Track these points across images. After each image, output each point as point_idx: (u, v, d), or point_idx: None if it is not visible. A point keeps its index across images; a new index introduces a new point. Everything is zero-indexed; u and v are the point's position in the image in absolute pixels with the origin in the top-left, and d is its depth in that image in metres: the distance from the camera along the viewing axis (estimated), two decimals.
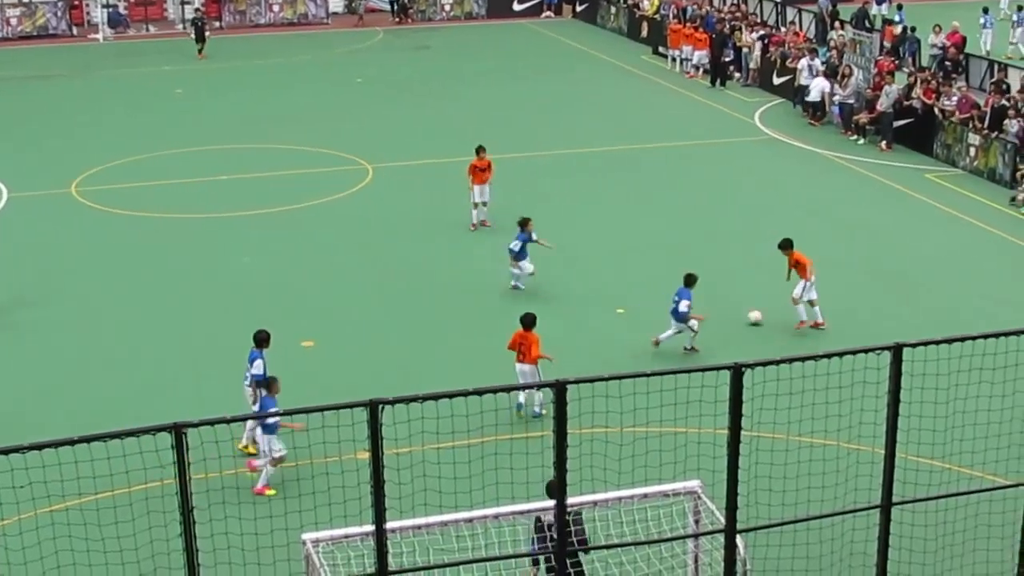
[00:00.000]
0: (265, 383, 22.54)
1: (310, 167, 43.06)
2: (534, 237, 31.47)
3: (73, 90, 55.35)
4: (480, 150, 36.41)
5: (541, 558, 17.18)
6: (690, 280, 28.27)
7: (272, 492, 20.95)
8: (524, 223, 31.51)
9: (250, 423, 22.86)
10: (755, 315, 29.57)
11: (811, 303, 29.37)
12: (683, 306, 27.73)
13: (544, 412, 24.10)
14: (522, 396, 24.77)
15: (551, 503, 15.42)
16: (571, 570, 17.33)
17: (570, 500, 14.64)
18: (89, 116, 50.73)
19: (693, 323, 27.90)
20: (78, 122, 49.84)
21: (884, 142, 44.79)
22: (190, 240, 36.10)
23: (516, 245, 31.28)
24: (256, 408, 22.67)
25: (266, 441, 21.81)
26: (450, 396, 13.75)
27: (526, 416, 24.06)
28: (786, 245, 29.81)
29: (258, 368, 23.45)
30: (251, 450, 22.68)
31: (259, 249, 35.26)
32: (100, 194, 39.95)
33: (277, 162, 43.72)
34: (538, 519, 17.38)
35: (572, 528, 17.14)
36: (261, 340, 23.94)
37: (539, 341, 25.07)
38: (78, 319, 30.60)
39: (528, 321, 25.30)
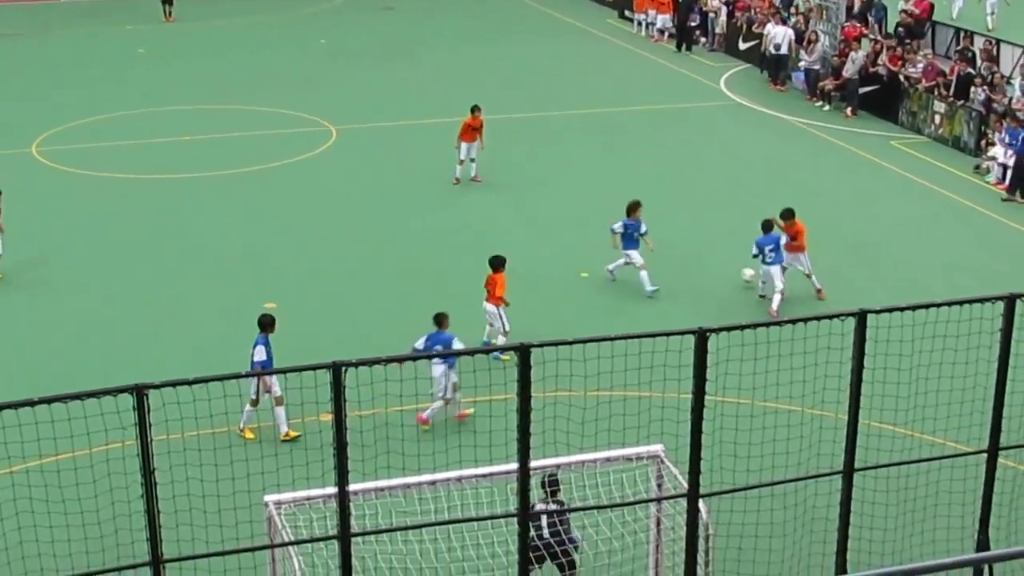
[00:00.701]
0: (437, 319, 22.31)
1: (273, 128, 42.83)
2: (643, 229, 29.63)
3: (33, 49, 54.85)
4: (475, 109, 36.81)
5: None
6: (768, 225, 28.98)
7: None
8: (633, 208, 29.89)
9: (248, 407, 22.24)
10: (748, 273, 29.59)
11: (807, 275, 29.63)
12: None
13: (504, 359, 23.92)
14: (486, 335, 25.97)
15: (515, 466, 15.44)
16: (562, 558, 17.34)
17: (533, 463, 14.61)
18: (50, 76, 50.27)
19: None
20: (38, 82, 49.39)
21: (849, 108, 44.83)
22: (152, 201, 35.87)
23: (619, 227, 29.68)
24: (266, 392, 22.10)
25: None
26: (414, 359, 13.73)
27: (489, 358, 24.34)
28: (789, 215, 29.74)
29: (259, 355, 22.48)
30: (249, 434, 21.83)
31: (221, 210, 35.08)
32: (61, 154, 39.67)
33: (240, 123, 43.45)
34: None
35: (557, 519, 17.14)
36: (265, 324, 23.14)
37: (504, 283, 25.93)
38: (37, 280, 30.37)
39: (496, 263, 26.20)
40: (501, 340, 25.52)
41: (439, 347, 21.06)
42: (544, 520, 17.31)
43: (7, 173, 37.60)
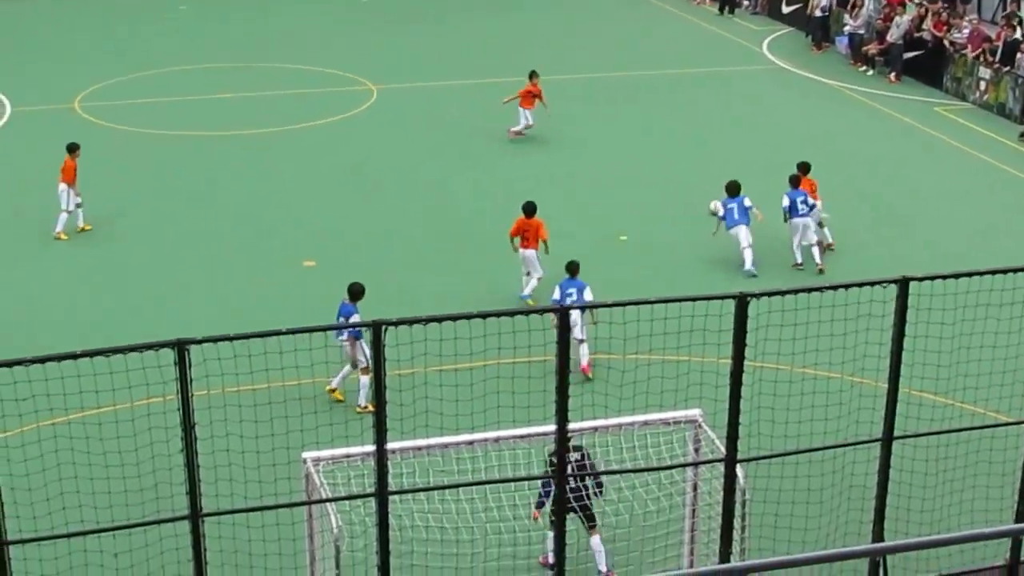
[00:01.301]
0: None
1: (313, 87, 42.83)
2: (748, 203, 28.97)
3: (75, 6, 54.92)
4: (533, 75, 37.02)
5: (547, 502, 17.14)
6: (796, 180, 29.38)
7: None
8: (734, 188, 29.24)
9: (346, 367, 22.54)
10: (715, 205, 29.68)
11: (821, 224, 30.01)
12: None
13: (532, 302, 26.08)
14: (528, 289, 26.64)
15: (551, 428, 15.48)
16: (581, 513, 17.38)
17: (572, 426, 14.62)
18: (92, 32, 50.42)
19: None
20: (81, 38, 49.53)
21: (893, 74, 44.53)
22: (192, 158, 35.96)
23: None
24: (351, 365, 22.39)
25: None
26: (453, 319, 13.71)
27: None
28: (806, 169, 30.23)
29: (354, 319, 22.09)
30: (338, 396, 21.98)
31: (261, 168, 35.12)
32: (103, 110, 39.78)
33: (280, 81, 43.47)
34: (550, 459, 17.39)
35: (575, 465, 17.14)
36: (356, 293, 22.97)
37: (544, 225, 26.65)
38: (79, 235, 30.49)
39: (530, 209, 26.75)
40: (534, 283, 26.43)
41: (573, 291, 23.15)
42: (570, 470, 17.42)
43: (50, 129, 37.75)
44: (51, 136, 36.96)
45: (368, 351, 21.03)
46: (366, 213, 32.01)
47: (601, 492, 17.64)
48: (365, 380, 21.81)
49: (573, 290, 23.34)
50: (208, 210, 32.07)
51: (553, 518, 17.01)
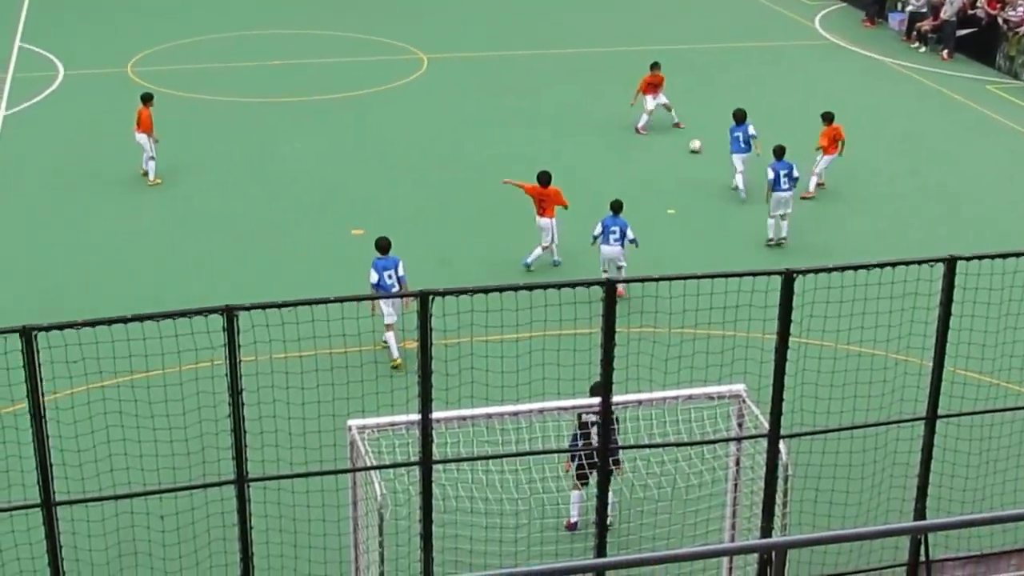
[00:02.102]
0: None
1: (363, 55, 42.91)
2: (752, 131, 31.67)
3: None
4: (655, 66, 36.66)
5: (579, 454, 17.31)
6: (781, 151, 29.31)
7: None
8: (741, 116, 31.78)
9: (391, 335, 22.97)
10: (695, 144, 30.67)
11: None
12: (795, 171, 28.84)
13: (559, 260, 27.38)
14: (531, 257, 27.36)
15: (595, 400, 15.56)
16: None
17: (616, 399, 14.68)
18: None
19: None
20: (133, 2, 49.68)
21: (946, 51, 44.26)
22: (242, 124, 36.12)
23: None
24: (397, 312, 22.72)
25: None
26: (500, 290, 13.78)
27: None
28: (828, 118, 31.60)
29: (402, 269, 23.19)
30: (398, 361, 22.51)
31: (309, 136, 35.25)
32: (155, 75, 39.97)
33: (329, 49, 43.57)
34: (580, 416, 17.51)
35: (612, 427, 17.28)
36: (385, 247, 23.72)
37: (560, 193, 27.09)
38: (130, 201, 30.74)
39: (546, 179, 27.17)
40: (538, 252, 27.14)
41: (616, 229, 25.38)
42: (594, 432, 17.56)
43: (103, 92, 38.03)
44: (104, 100, 37.27)
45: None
46: (414, 183, 32.09)
47: (619, 466, 17.81)
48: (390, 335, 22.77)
49: (616, 228, 25.55)
50: (257, 177, 32.22)
51: (577, 480, 17.41)
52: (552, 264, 27.32)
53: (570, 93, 38.98)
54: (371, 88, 39.40)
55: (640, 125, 36.29)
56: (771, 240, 28.53)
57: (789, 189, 28.61)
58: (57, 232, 28.88)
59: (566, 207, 27.22)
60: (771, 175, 28.65)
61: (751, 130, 31.35)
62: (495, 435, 16.28)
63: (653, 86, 36.57)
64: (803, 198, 30.67)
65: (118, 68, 40.56)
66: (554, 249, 27.48)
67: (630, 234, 25.64)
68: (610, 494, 18.29)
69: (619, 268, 25.25)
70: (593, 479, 17.57)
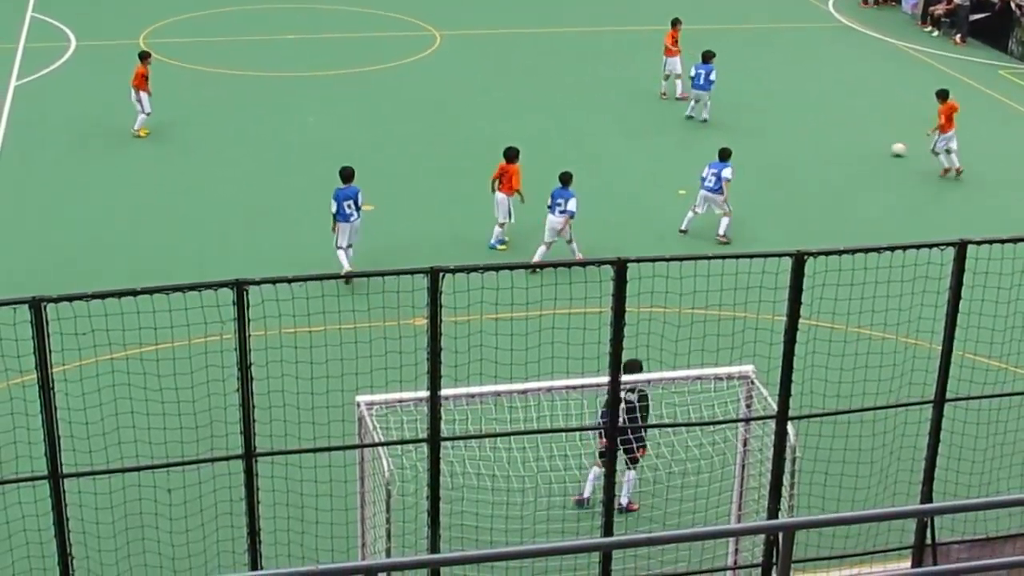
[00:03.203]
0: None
1: (376, 31, 42.85)
2: (712, 77, 34.93)
3: None
4: (676, 22, 37.53)
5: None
6: (725, 154, 28.36)
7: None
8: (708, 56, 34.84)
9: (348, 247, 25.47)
10: (899, 147, 31.53)
11: (948, 151, 31.82)
12: (727, 172, 27.85)
13: (502, 248, 27.11)
14: (494, 239, 27.31)
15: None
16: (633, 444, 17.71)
17: (624, 378, 14.67)
18: None
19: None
20: None
21: (959, 35, 44.15)
22: (254, 98, 36.09)
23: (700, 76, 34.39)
24: (351, 239, 25.36)
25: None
26: (510, 268, 13.78)
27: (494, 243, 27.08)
28: (943, 95, 32.24)
29: (361, 198, 25.82)
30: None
31: (322, 110, 35.22)
32: (168, 47, 39.93)
33: (342, 24, 43.52)
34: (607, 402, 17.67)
35: (638, 405, 17.40)
36: (349, 175, 25.95)
37: (519, 173, 27.10)
38: (142, 172, 30.74)
39: (511, 155, 27.37)
40: (497, 231, 27.21)
41: (561, 200, 26.00)
42: (622, 408, 17.64)
43: (115, 63, 37.97)
44: (116, 71, 37.21)
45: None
46: (426, 159, 32.07)
47: (644, 449, 17.93)
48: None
49: (562, 200, 26.17)
50: (270, 151, 32.22)
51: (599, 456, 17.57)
52: (488, 247, 27.25)
53: (583, 70, 38.89)
54: (384, 64, 39.35)
55: (679, 93, 37.09)
56: (683, 230, 28.35)
57: (714, 189, 27.95)
58: (68, 203, 28.91)
59: (518, 190, 27.18)
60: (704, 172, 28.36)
61: (712, 76, 34.75)
62: (503, 413, 16.28)
63: (673, 46, 37.30)
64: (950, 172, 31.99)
65: (130, 39, 40.51)
66: (497, 231, 27.30)
67: (571, 206, 26.02)
68: (633, 473, 18.50)
69: (568, 242, 26.01)
70: (621, 456, 17.71)
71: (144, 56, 33.38)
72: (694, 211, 28.22)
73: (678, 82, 37.05)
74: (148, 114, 32.57)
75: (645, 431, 17.95)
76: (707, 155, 30.91)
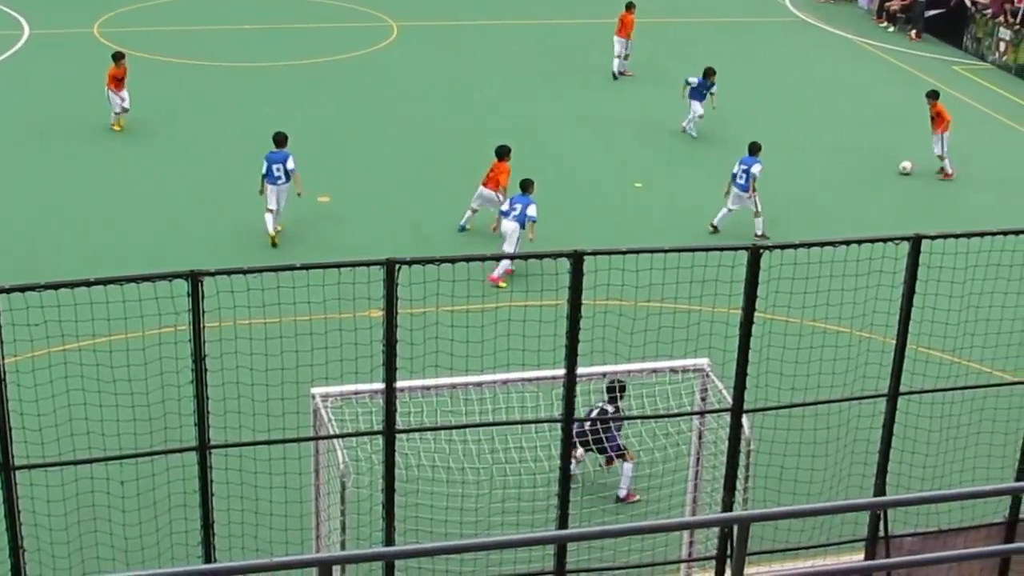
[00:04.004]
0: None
1: (332, 21, 42.71)
2: (713, 89, 34.13)
3: None
4: (630, 7, 38.58)
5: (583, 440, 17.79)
6: (755, 148, 28.29)
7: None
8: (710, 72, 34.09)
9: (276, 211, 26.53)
10: (906, 165, 31.90)
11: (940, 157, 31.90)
12: (756, 169, 27.73)
13: (467, 227, 27.43)
14: (464, 219, 27.52)
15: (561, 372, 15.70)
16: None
17: (580, 371, 14.67)
18: None
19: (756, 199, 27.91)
20: None
21: (914, 31, 44.37)
22: (210, 88, 35.93)
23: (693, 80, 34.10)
24: (279, 203, 26.43)
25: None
26: (467, 260, 13.74)
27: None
28: (933, 95, 32.55)
29: (291, 163, 26.58)
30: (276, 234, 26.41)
31: (278, 101, 35.08)
32: (122, 36, 39.70)
33: (300, 14, 43.36)
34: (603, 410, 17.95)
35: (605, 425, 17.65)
36: (281, 140, 26.90)
37: (508, 172, 26.86)
38: (96, 162, 30.56)
39: (502, 152, 27.17)
40: (468, 214, 27.07)
41: (519, 206, 25.38)
42: (595, 414, 17.87)
43: (68, 52, 37.79)
44: (70, 60, 37.02)
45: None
46: (382, 150, 32.00)
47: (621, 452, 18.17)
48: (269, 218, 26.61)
49: (519, 205, 25.60)
50: (223, 142, 32.07)
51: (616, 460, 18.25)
52: (457, 228, 27.48)
53: (540, 63, 38.89)
54: (341, 55, 39.25)
55: (614, 71, 38.18)
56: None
57: (744, 187, 27.88)
58: (21, 192, 28.69)
59: (501, 188, 26.90)
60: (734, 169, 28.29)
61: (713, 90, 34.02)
62: (459, 405, 16.27)
63: (625, 28, 38.38)
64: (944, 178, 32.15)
65: (85, 28, 40.27)
66: (468, 215, 27.45)
67: (531, 211, 25.33)
68: (628, 465, 18.61)
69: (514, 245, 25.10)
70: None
71: (117, 57, 32.89)
72: (728, 209, 27.96)
73: (626, 62, 38.61)
74: (119, 112, 32.34)
75: (619, 438, 18.13)
76: (664, 147, 31.01)
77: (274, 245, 26.05)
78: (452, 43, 41.09)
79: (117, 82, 32.21)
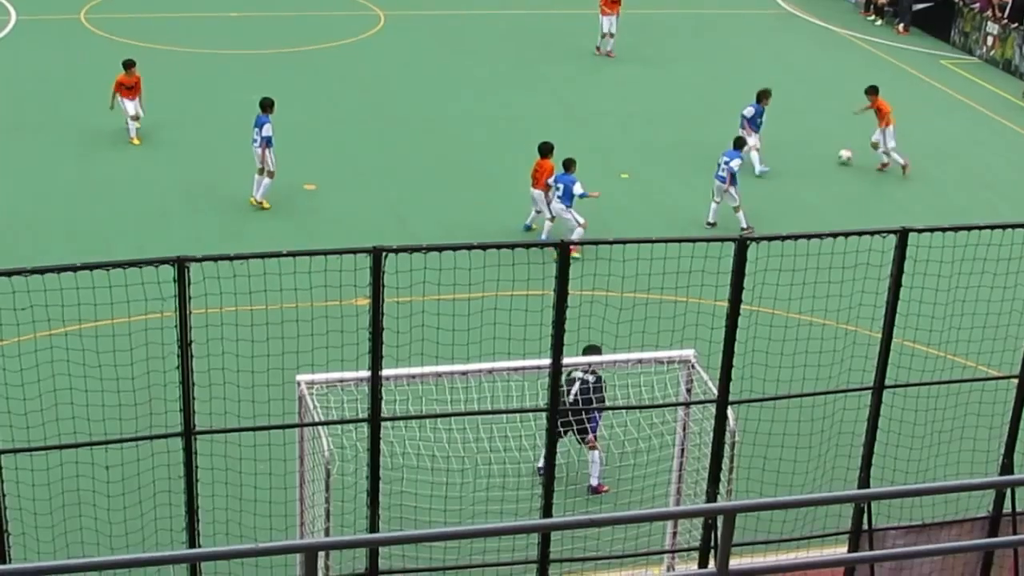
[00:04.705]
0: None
1: (320, 10, 42.61)
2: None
3: None
4: None
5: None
6: (740, 143, 28.40)
7: None
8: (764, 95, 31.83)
9: (257, 177, 27.65)
10: (846, 153, 31.81)
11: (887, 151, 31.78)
12: (735, 163, 27.77)
13: (532, 227, 27.28)
14: (529, 219, 27.37)
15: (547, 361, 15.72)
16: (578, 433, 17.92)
17: (566, 360, 14.69)
18: None
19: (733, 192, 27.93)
20: None
21: (902, 24, 44.41)
22: (196, 75, 35.85)
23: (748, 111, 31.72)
24: (267, 166, 27.40)
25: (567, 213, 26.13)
26: (453, 248, 13.72)
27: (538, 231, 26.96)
28: (872, 91, 32.20)
29: (267, 131, 27.49)
30: (265, 205, 27.47)
31: (264, 90, 34.93)
32: (109, 22, 39.59)
33: (286, 2, 43.24)
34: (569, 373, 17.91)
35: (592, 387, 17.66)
36: (267, 105, 27.91)
37: (551, 169, 26.64)
38: (82, 150, 30.48)
39: (544, 149, 26.93)
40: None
41: (562, 185, 26.19)
42: (575, 388, 17.82)
43: (55, 39, 37.66)
44: (57, 47, 36.91)
45: (274, 159, 27.56)
46: (369, 139, 31.97)
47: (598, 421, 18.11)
48: (267, 182, 27.55)
49: (562, 185, 26.27)
50: (211, 130, 32.00)
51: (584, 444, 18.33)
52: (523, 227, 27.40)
53: (527, 52, 38.85)
54: (327, 43, 39.18)
55: (598, 46, 38.67)
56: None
57: (722, 179, 27.91)
58: (7, 179, 28.61)
59: (544, 185, 26.77)
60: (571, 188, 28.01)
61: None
62: (444, 394, 16.28)
63: (612, 2, 38.89)
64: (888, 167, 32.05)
65: (71, 15, 40.14)
66: (533, 213, 27.21)
67: (578, 188, 26.09)
68: (596, 453, 18.69)
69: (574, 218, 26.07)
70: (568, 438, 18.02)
71: (128, 65, 31.41)
72: (716, 202, 28.07)
73: (611, 41, 38.77)
74: (133, 118, 31.17)
75: (600, 416, 18.11)
76: (649, 139, 31.02)
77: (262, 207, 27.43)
78: (440, 32, 41.02)
79: (126, 90, 31.09)
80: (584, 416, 17.86)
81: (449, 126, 32.88)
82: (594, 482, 18.98)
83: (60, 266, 12.86)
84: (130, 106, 31.13)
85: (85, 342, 15.35)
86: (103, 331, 16.28)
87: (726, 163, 27.79)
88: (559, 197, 26.17)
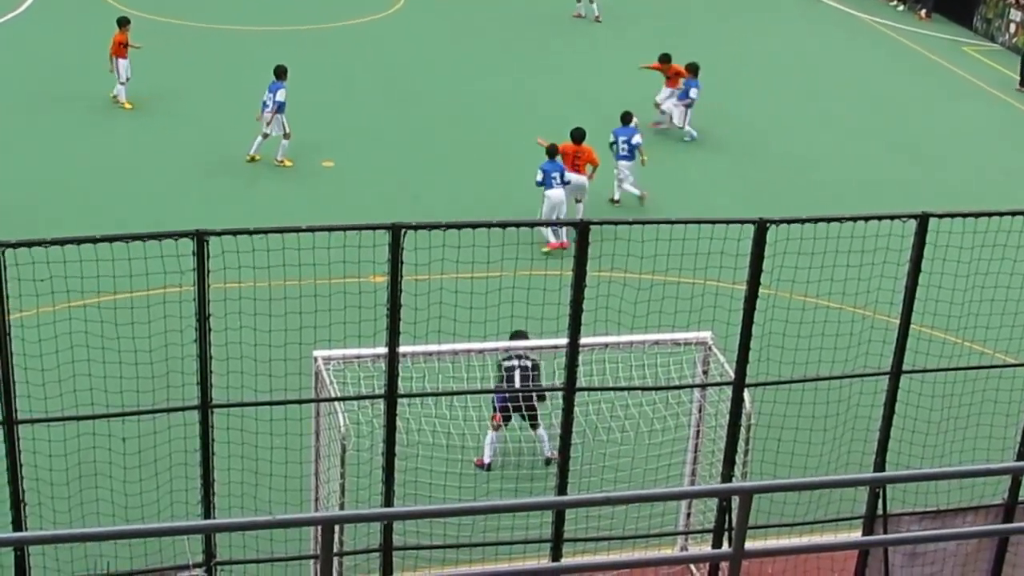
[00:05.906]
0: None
1: None
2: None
3: None
4: None
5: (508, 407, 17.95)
6: (626, 118, 28.40)
7: None
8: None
9: (260, 139, 28.47)
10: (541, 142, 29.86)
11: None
12: (637, 138, 28.00)
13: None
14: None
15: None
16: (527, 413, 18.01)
17: (583, 340, 14.68)
18: None
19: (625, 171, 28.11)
20: None
21: (924, 11, 44.25)
22: (216, 51, 35.85)
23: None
24: (271, 130, 28.39)
25: None
26: (473, 226, 13.71)
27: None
28: (666, 59, 32.55)
29: (281, 96, 28.47)
30: (287, 163, 28.61)
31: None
32: None
33: None
34: (500, 363, 17.90)
35: (532, 374, 17.73)
36: (281, 72, 28.79)
37: (588, 154, 26.77)
38: (101, 124, 30.52)
39: (579, 136, 26.88)
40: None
41: (623, 138, 27.57)
42: (518, 375, 18.11)
43: (72, 10, 37.63)
44: (77, 21, 36.91)
45: (287, 122, 28.51)
46: (387, 116, 31.97)
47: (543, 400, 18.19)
48: (285, 142, 28.70)
49: (625, 138, 27.62)
50: (230, 105, 32.00)
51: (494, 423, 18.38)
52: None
53: (547, 33, 38.79)
54: (346, 21, 39.14)
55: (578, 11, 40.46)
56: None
57: (627, 157, 28.05)
58: (27, 153, 28.67)
59: (596, 165, 26.93)
60: (612, 138, 28.37)
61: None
62: (460, 371, 16.29)
63: None
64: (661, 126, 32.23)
65: None
66: (578, 207, 26.73)
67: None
68: (542, 430, 18.73)
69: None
70: (515, 421, 18.05)
71: (123, 22, 32.04)
72: (618, 180, 28.23)
73: (593, 6, 40.32)
74: (124, 82, 31.56)
75: (542, 398, 18.20)
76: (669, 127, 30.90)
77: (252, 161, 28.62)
78: (460, 11, 40.95)
79: (123, 48, 31.54)
80: (535, 399, 18.08)
81: (466, 106, 32.84)
82: (548, 452, 18.90)
83: (80, 238, 12.87)
84: (124, 67, 31.47)
85: (104, 314, 15.37)
86: (122, 303, 16.33)
87: (625, 140, 27.93)
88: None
